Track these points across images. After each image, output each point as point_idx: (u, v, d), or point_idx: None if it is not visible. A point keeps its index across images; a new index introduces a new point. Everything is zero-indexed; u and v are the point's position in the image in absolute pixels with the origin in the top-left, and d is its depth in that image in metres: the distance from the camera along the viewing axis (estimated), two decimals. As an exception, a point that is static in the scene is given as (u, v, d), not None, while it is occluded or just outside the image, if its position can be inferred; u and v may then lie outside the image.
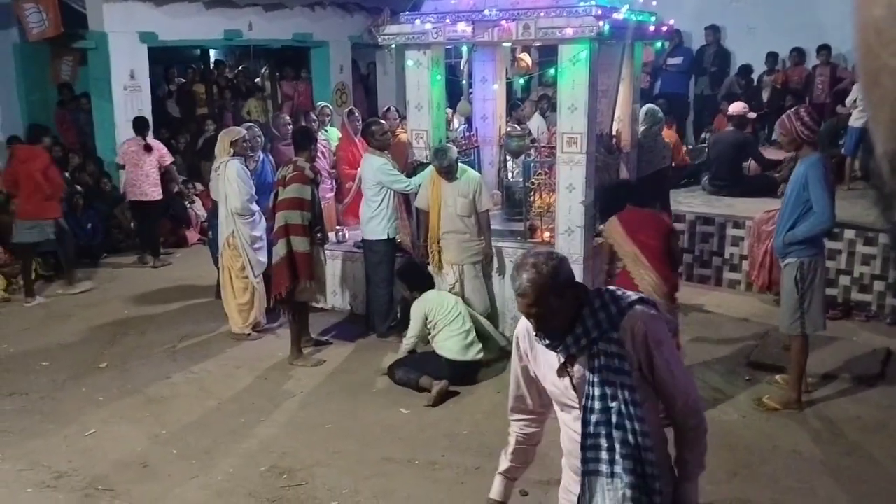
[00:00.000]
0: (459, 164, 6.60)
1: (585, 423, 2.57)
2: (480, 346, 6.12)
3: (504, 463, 2.98)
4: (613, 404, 2.52)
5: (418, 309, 6.23)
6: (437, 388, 5.73)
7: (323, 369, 6.48)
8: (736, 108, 9.12)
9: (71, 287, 8.74)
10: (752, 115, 9.37)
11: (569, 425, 2.70)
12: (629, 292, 2.65)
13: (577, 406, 2.62)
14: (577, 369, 2.59)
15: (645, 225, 5.27)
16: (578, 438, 2.61)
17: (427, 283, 6.45)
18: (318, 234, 6.57)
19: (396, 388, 5.99)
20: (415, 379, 5.90)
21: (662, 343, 2.55)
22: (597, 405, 2.54)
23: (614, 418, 2.52)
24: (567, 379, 2.62)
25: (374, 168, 6.84)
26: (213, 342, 7.10)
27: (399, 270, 6.67)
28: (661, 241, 5.23)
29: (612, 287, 2.69)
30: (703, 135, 12.06)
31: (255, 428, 5.48)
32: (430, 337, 6.22)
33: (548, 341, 2.59)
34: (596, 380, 2.53)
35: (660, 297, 5.02)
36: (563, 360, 2.60)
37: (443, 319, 6.13)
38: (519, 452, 2.96)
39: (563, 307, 2.53)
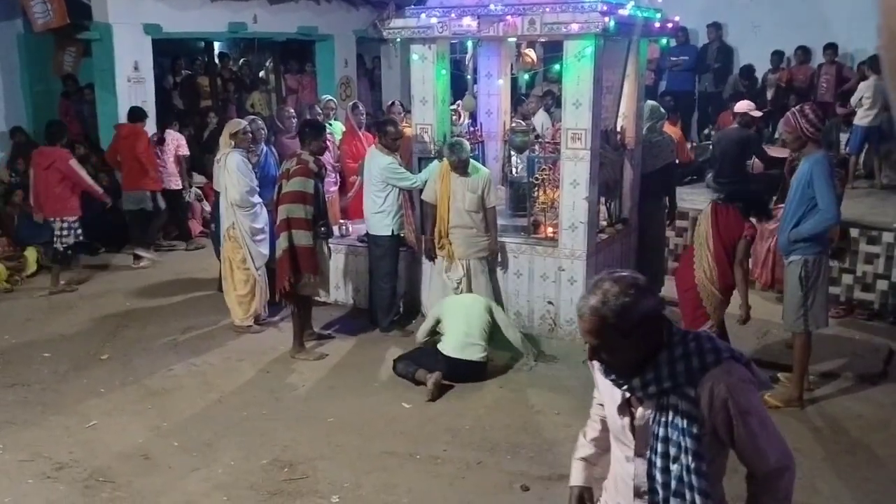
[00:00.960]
0: (471, 159, 6.61)
1: (650, 477, 2.34)
2: (481, 348, 6.05)
3: (585, 449, 2.75)
4: (675, 467, 2.29)
5: (434, 309, 6.39)
6: (430, 380, 5.73)
7: (325, 363, 6.48)
8: (742, 105, 9.12)
9: (141, 259, 9.40)
10: (758, 113, 9.36)
11: (620, 462, 2.48)
12: (721, 344, 2.34)
13: (631, 449, 2.40)
14: (640, 413, 2.35)
15: (731, 223, 5.60)
16: (629, 482, 2.41)
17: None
18: (322, 228, 6.56)
19: (398, 382, 6.00)
20: (412, 372, 5.94)
21: (749, 413, 2.25)
22: (659, 463, 2.32)
23: (673, 483, 2.30)
24: (627, 419, 2.39)
25: (381, 167, 6.83)
26: (215, 335, 7.10)
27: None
28: (733, 243, 5.59)
29: (703, 333, 2.39)
30: (705, 131, 12.04)
31: (256, 421, 5.48)
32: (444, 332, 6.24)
33: (611, 376, 2.36)
34: (661, 435, 2.30)
35: (707, 280, 5.58)
36: (627, 396, 2.37)
37: (448, 318, 6.14)
38: (601, 439, 2.69)
39: (628, 347, 2.25)
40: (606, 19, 6.00)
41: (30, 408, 5.71)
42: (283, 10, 12.88)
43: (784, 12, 12.07)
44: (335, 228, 7.86)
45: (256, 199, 7.03)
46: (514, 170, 7.70)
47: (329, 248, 6.87)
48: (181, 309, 7.80)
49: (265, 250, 7.04)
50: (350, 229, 7.94)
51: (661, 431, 2.29)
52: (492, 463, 4.86)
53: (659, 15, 7.20)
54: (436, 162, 6.80)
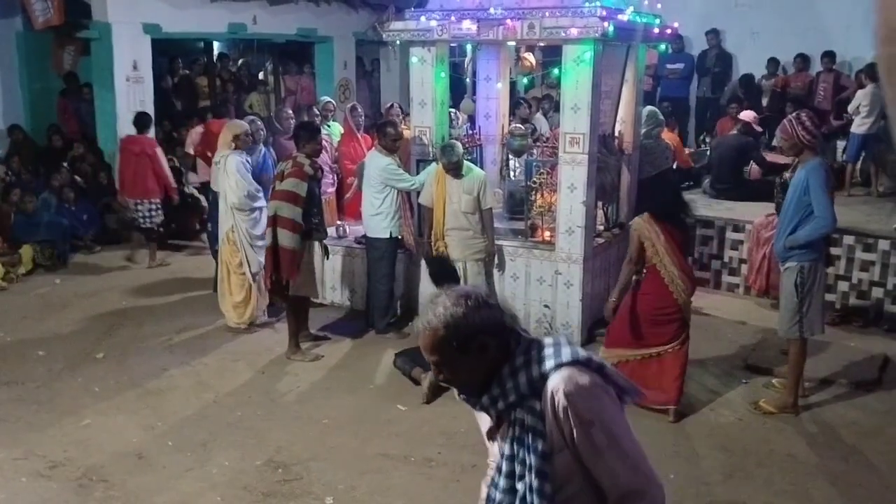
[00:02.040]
0: (465, 161, 6.62)
1: (488, 499, 2.21)
2: None
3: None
4: (519, 486, 2.12)
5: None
6: (425, 381, 5.70)
7: (321, 364, 6.48)
8: (748, 115, 9.16)
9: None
10: (759, 128, 9.43)
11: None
12: (566, 348, 2.13)
13: None
14: (501, 433, 2.20)
15: (672, 229, 5.40)
16: None
17: (455, 280, 6.41)
18: (315, 221, 6.51)
19: (394, 384, 5.99)
20: (409, 370, 5.93)
21: (591, 424, 2.03)
22: (502, 483, 2.16)
23: None
24: (496, 444, 2.23)
25: (380, 168, 6.83)
26: (210, 335, 7.09)
27: (431, 271, 6.50)
28: (681, 245, 5.49)
29: (549, 340, 2.18)
30: (701, 137, 12.06)
31: (251, 421, 5.48)
32: None
33: (461, 396, 2.21)
34: (507, 453, 2.15)
35: (686, 298, 5.43)
36: (493, 421, 2.21)
37: None
38: None
39: (469, 363, 2.11)
40: (606, 24, 6.01)
41: (24, 406, 5.69)
42: (282, 11, 12.89)
43: (783, 19, 12.11)
44: (333, 230, 7.86)
45: (258, 202, 6.99)
46: (512, 173, 7.71)
47: (325, 248, 6.83)
48: (177, 309, 7.79)
49: (262, 258, 7.02)
50: (347, 231, 7.94)
51: (508, 449, 2.14)
52: (486, 466, 4.85)
53: (658, 21, 7.22)
54: (433, 164, 6.80)
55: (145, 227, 9.26)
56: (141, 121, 9.39)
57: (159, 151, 9.31)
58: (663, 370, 5.48)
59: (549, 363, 2.08)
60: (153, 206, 9.21)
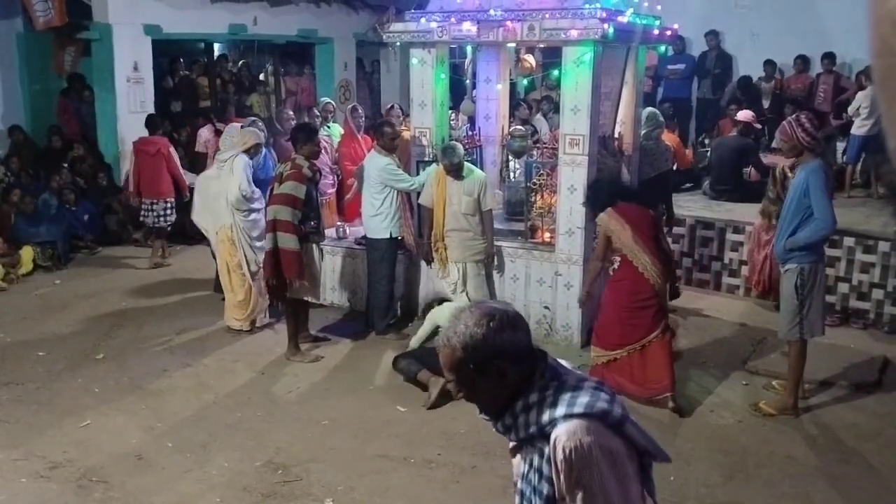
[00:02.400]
0: (466, 163, 6.62)
1: None
2: None
3: None
4: None
5: (432, 315, 6.30)
6: (434, 386, 5.65)
7: (320, 365, 6.48)
8: (745, 115, 9.15)
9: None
10: (759, 126, 9.41)
11: None
12: (586, 396, 2.00)
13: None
14: (516, 461, 2.16)
15: (636, 216, 5.57)
16: None
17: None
18: (313, 223, 6.51)
19: (394, 385, 5.99)
20: (415, 371, 5.85)
21: (580, 488, 1.94)
22: (516, 502, 2.11)
23: None
24: (517, 460, 2.18)
25: (379, 168, 6.83)
26: (210, 336, 7.09)
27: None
28: (651, 230, 5.61)
29: (572, 379, 2.07)
30: (699, 138, 12.05)
31: (251, 422, 5.47)
32: None
33: (481, 414, 2.14)
34: (520, 488, 2.10)
35: (661, 283, 5.53)
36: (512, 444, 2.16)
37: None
38: None
39: (486, 385, 2.05)
40: (605, 26, 6.01)
41: (24, 407, 5.69)
42: (283, 12, 12.90)
43: (782, 21, 12.10)
44: (333, 231, 7.87)
45: (257, 204, 7.00)
46: (512, 174, 7.72)
47: (321, 251, 6.83)
48: (177, 309, 7.79)
49: (262, 257, 7.02)
50: (347, 232, 7.94)
51: (521, 485, 2.10)
52: (486, 468, 4.86)
53: (658, 22, 7.22)
54: (433, 165, 6.81)
55: (158, 225, 9.46)
56: (152, 122, 9.61)
57: (173, 151, 9.50)
58: (650, 360, 5.60)
59: (560, 410, 1.97)
60: (168, 206, 9.41)
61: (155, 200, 9.35)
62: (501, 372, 2.01)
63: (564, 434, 1.94)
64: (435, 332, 6.24)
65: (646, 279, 5.51)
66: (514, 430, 2.05)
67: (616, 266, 5.71)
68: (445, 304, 6.45)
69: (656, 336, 5.58)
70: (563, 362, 2.16)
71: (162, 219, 9.43)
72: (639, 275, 5.52)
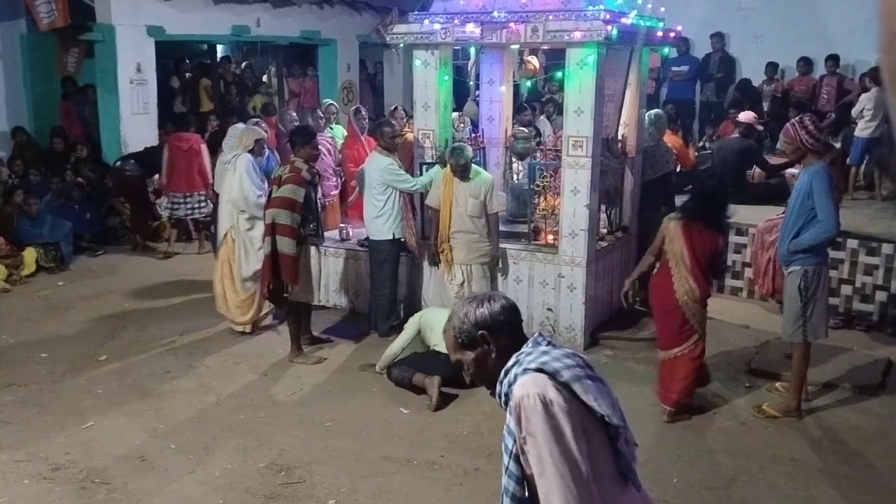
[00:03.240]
0: (473, 164, 6.61)
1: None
2: None
3: None
4: (504, 480, 2.23)
5: (413, 323, 6.24)
6: (431, 387, 5.65)
7: (323, 367, 6.47)
8: (746, 116, 9.14)
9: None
10: (760, 127, 9.41)
11: None
12: (547, 356, 2.20)
13: None
14: None
15: (702, 237, 5.38)
16: None
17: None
18: (312, 226, 6.50)
19: (396, 387, 5.98)
20: (409, 377, 5.84)
21: (534, 435, 2.09)
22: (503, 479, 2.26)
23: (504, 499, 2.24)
24: None
25: (381, 168, 6.83)
26: (213, 337, 7.09)
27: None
28: (708, 257, 5.42)
29: (543, 344, 2.30)
30: (700, 142, 12.03)
31: (253, 424, 5.47)
32: (432, 345, 6.15)
33: (489, 390, 2.38)
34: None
35: (691, 300, 5.38)
36: None
37: (438, 324, 6.03)
38: None
39: (476, 358, 2.31)
40: (609, 28, 6.01)
41: (27, 408, 5.70)
42: (286, 14, 12.92)
43: (786, 23, 12.10)
44: (336, 232, 7.87)
45: (259, 211, 6.98)
46: (515, 176, 7.71)
47: (321, 253, 6.79)
48: (179, 311, 7.79)
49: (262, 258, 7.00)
50: (350, 233, 7.93)
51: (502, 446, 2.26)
52: (489, 469, 4.85)
53: (661, 24, 7.22)
54: (438, 167, 6.80)
55: (193, 217, 9.93)
56: (185, 120, 10.22)
57: (204, 148, 9.70)
58: (674, 371, 5.55)
59: (519, 369, 2.20)
60: (201, 198, 9.72)
61: (189, 193, 9.70)
62: (486, 341, 2.29)
63: (519, 386, 2.16)
64: (416, 335, 6.18)
65: (673, 290, 5.40)
66: (498, 396, 2.28)
67: (655, 270, 5.64)
68: (425, 311, 6.43)
69: (683, 350, 5.49)
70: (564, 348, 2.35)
71: (196, 210, 9.82)
72: (668, 283, 5.43)
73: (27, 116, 11.46)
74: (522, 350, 2.27)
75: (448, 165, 6.55)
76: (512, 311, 2.35)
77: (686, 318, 5.47)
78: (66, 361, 6.53)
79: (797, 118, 5.54)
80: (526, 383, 2.14)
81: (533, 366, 2.16)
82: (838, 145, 10.27)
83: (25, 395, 5.92)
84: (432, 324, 6.01)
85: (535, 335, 2.34)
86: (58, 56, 11.52)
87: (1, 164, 10.43)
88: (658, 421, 5.51)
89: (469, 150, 6.59)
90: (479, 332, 2.29)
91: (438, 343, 5.96)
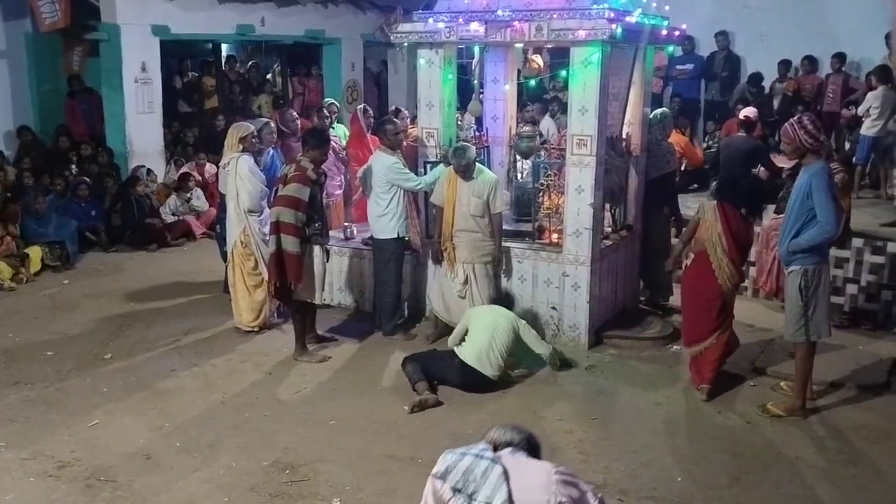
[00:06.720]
0: (477, 164, 6.61)
1: None
2: (498, 366, 5.89)
3: None
4: None
5: (465, 318, 6.23)
6: (420, 399, 5.65)
7: (328, 366, 6.48)
8: (748, 111, 9.13)
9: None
10: (758, 121, 9.39)
11: None
12: None
13: None
14: None
15: (738, 223, 5.70)
16: None
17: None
18: (318, 225, 6.50)
19: (401, 386, 5.98)
20: (416, 380, 5.82)
21: None
22: None
23: None
24: None
25: (385, 166, 6.83)
26: (218, 336, 7.10)
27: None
28: (744, 243, 5.80)
29: None
30: (704, 142, 12.00)
31: (258, 422, 5.48)
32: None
33: None
34: None
35: (732, 286, 5.72)
36: None
37: (475, 327, 6.01)
38: None
39: None
40: (613, 26, 6.00)
41: (33, 406, 5.71)
42: (290, 13, 12.93)
43: (791, 22, 12.07)
44: (340, 231, 7.87)
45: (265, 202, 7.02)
46: (519, 175, 7.71)
47: (326, 252, 6.78)
48: (185, 310, 7.81)
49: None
50: (355, 232, 7.94)
51: None
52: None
53: (666, 23, 7.20)
54: (442, 165, 6.80)
55: None
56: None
57: None
58: (706, 355, 5.86)
59: None
60: None
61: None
62: None
63: None
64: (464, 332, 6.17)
65: (714, 278, 5.66)
66: None
67: (689, 262, 5.88)
68: (475, 308, 6.39)
69: (716, 336, 5.81)
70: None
71: None
72: (709, 273, 5.67)
73: (32, 115, 11.49)
74: None
75: (451, 164, 6.55)
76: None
77: (723, 307, 5.76)
78: (72, 360, 6.55)
79: (796, 118, 5.51)
80: None
81: None
82: (847, 146, 10.25)
83: (31, 393, 5.94)
84: (480, 321, 6.05)
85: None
86: (64, 55, 11.56)
87: (7, 164, 10.47)
88: (661, 420, 5.51)
89: (472, 151, 6.58)
90: None
91: (464, 345, 5.99)
